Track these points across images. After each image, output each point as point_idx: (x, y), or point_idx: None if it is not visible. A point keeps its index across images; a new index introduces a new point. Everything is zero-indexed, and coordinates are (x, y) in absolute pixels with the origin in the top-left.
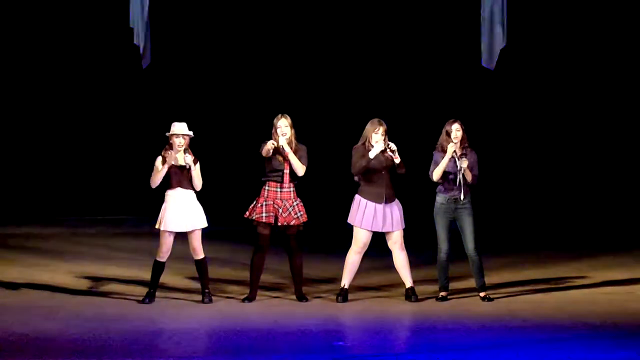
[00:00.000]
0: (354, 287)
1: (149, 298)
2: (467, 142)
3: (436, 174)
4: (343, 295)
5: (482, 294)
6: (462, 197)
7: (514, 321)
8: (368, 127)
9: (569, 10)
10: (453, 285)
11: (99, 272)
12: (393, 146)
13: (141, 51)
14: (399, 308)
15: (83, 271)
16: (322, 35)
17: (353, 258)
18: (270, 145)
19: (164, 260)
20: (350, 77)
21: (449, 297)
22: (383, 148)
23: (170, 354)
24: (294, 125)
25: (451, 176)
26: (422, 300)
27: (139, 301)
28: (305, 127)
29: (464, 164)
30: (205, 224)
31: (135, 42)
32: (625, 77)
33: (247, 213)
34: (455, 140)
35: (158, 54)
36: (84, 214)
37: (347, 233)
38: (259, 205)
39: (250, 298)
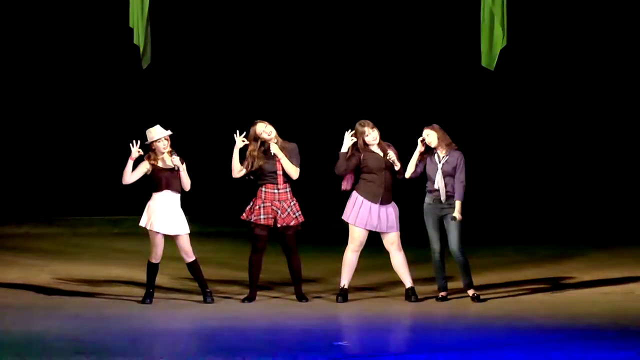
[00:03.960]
0: (354, 287)
1: (149, 298)
2: (450, 142)
3: (408, 171)
4: (343, 295)
5: (470, 292)
6: (442, 199)
7: (514, 321)
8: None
9: (569, 10)
10: (453, 285)
11: (99, 272)
12: (392, 156)
13: (141, 51)
14: (399, 308)
15: (83, 271)
16: (322, 36)
17: (350, 257)
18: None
19: (158, 261)
20: (350, 77)
21: (448, 297)
22: (350, 143)
23: (170, 354)
24: (277, 127)
25: (432, 178)
26: (422, 300)
27: (139, 301)
28: (305, 127)
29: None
30: (188, 231)
31: (135, 42)
32: (625, 77)
33: (245, 215)
34: (431, 145)
35: (158, 54)
36: (84, 213)
37: (344, 232)
38: (257, 207)
39: (250, 298)
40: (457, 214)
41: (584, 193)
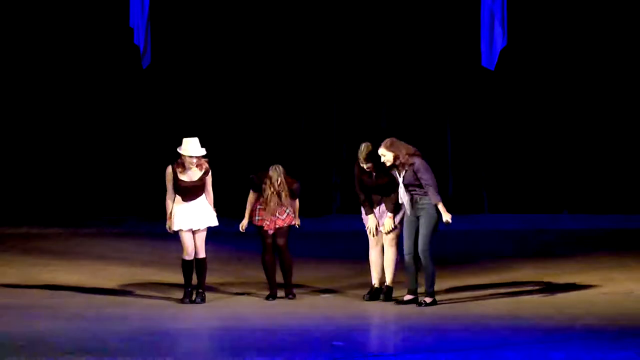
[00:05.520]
0: (353, 287)
1: (188, 298)
2: (406, 159)
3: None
4: (370, 293)
5: (425, 299)
6: (408, 212)
7: (514, 321)
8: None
9: (569, 10)
10: (451, 285)
11: (99, 272)
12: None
13: (141, 51)
14: (399, 308)
15: (83, 271)
16: (322, 35)
17: (370, 255)
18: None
19: (191, 258)
20: (350, 77)
21: (447, 298)
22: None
23: (170, 354)
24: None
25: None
26: (391, 301)
27: (179, 301)
28: (307, 126)
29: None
30: (216, 222)
31: (135, 42)
32: (625, 77)
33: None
34: (388, 164)
35: (158, 54)
36: (84, 214)
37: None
38: (255, 209)
39: (272, 296)
40: (445, 215)
41: (584, 193)
